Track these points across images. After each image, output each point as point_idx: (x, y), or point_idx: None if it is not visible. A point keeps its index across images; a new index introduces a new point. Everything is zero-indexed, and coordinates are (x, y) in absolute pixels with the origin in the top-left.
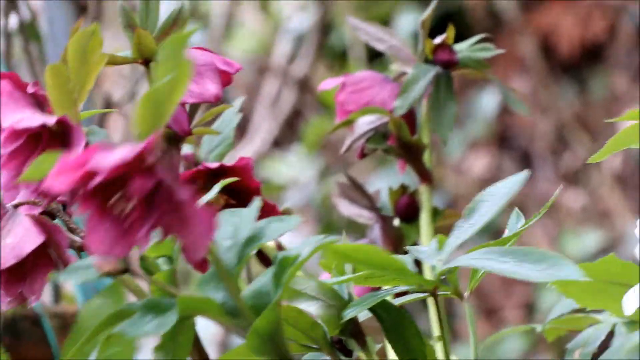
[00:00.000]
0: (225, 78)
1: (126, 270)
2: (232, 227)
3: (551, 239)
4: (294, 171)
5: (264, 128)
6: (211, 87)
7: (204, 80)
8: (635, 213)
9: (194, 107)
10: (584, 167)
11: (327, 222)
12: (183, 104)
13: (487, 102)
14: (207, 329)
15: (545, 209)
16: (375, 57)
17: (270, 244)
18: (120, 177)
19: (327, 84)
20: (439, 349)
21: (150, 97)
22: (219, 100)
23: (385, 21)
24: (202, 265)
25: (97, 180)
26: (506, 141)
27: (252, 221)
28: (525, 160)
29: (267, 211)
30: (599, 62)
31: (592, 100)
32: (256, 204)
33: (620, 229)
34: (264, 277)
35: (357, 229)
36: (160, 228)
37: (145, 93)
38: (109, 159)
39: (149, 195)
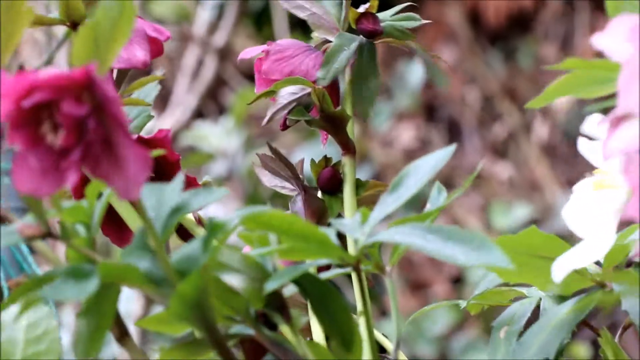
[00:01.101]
0: (155, 46)
1: (48, 234)
2: (156, 198)
3: (480, 211)
4: (220, 141)
5: (185, 98)
6: (139, 54)
7: (132, 46)
8: (563, 184)
9: (122, 74)
10: (512, 138)
11: (253, 193)
12: (111, 70)
13: (415, 73)
14: (128, 305)
15: (468, 182)
16: (297, 25)
17: (191, 219)
18: (52, 103)
19: (248, 52)
20: (362, 323)
21: (89, 30)
22: (147, 68)
23: None
24: (122, 240)
25: (33, 99)
26: (433, 112)
27: (178, 193)
28: (452, 131)
29: (187, 183)
30: (527, 31)
31: (519, 70)
32: (181, 176)
33: (549, 200)
34: (192, 243)
35: (282, 201)
36: (89, 166)
37: (85, 25)
38: (43, 75)
39: (80, 126)
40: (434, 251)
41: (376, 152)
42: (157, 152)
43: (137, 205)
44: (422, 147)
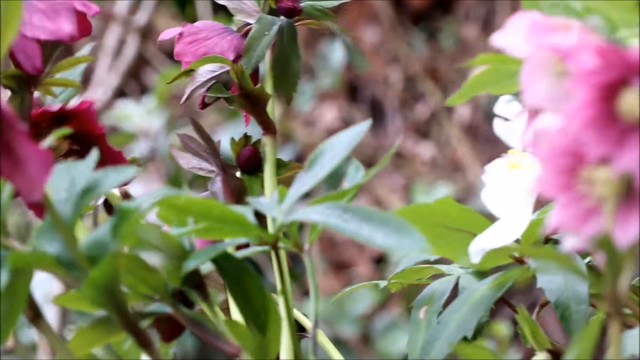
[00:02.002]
0: (83, 24)
1: None
2: (69, 178)
3: (403, 191)
4: (143, 121)
5: (106, 78)
6: (67, 26)
7: (59, 18)
8: (484, 164)
9: (50, 49)
10: (435, 118)
11: (175, 173)
12: (38, 41)
13: (337, 53)
14: (44, 287)
15: (385, 159)
16: (221, 5)
17: (116, 194)
18: None
19: (167, 34)
20: (281, 302)
21: None
22: (74, 42)
23: None
24: (41, 212)
25: None
26: (356, 92)
27: (88, 173)
28: (375, 111)
29: (113, 158)
30: (449, 12)
31: (442, 51)
32: (93, 155)
33: (470, 180)
34: (102, 228)
35: (204, 181)
36: None
37: None
38: None
39: None
40: (351, 232)
41: (299, 132)
42: (63, 131)
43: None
44: (345, 127)
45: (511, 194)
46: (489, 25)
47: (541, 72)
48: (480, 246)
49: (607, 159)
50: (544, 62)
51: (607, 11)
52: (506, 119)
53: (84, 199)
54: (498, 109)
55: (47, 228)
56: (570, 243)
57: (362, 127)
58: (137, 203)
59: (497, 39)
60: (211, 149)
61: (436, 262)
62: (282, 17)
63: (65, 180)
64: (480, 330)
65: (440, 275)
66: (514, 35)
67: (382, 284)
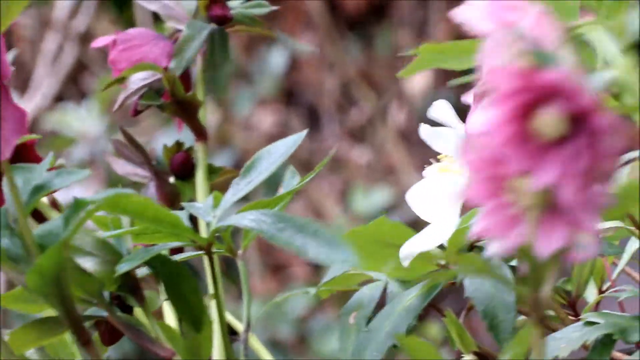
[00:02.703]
0: None
1: None
2: (22, 179)
3: (339, 195)
4: (82, 126)
5: (45, 83)
6: None
7: None
8: (419, 168)
9: None
10: (370, 123)
11: (115, 178)
12: None
13: (275, 58)
14: None
15: (319, 167)
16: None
17: (44, 202)
18: None
19: (101, 40)
20: (213, 306)
21: None
22: None
23: None
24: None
25: None
26: (294, 97)
27: (42, 173)
28: (312, 117)
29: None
30: (383, 18)
31: (377, 57)
32: (48, 158)
33: (405, 185)
34: (55, 220)
35: (141, 186)
36: None
37: None
38: None
39: None
40: (284, 241)
41: (237, 137)
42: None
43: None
44: (283, 132)
45: (439, 198)
46: (423, 32)
47: (498, 53)
48: (409, 251)
49: (528, 172)
50: (500, 43)
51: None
52: (439, 124)
53: (36, 195)
54: (432, 113)
55: None
56: (493, 250)
57: (299, 136)
58: (89, 198)
59: (459, 13)
60: (143, 156)
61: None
62: (212, 24)
63: (19, 181)
64: (410, 334)
65: (370, 281)
66: (475, 9)
67: (313, 291)
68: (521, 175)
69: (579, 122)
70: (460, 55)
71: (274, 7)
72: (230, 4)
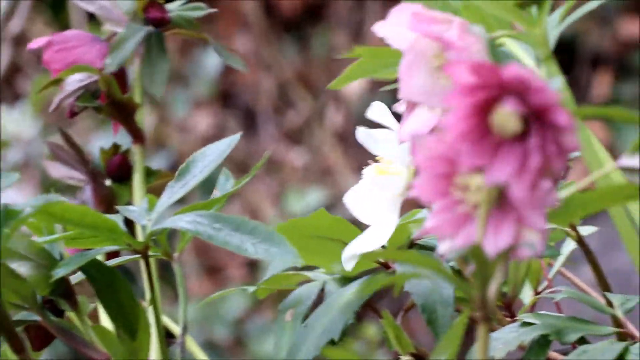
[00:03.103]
0: None
1: None
2: None
3: (275, 197)
4: (16, 128)
5: None
6: None
7: None
8: (356, 170)
9: None
10: (307, 125)
11: (50, 181)
12: None
13: (211, 60)
14: None
15: (254, 169)
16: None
17: None
18: None
19: (36, 42)
20: (150, 310)
21: None
22: None
23: None
24: None
25: None
26: (230, 99)
27: None
28: (248, 118)
29: None
30: (320, 20)
31: (313, 58)
32: None
33: (342, 186)
34: None
35: (75, 189)
36: None
37: None
38: None
39: None
40: (221, 241)
41: (174, 139)
42: None
43: None
44: (219, 134)
45: (378, 199)
46: (359, 34)
47: (419, 66)
48: (351, 253)
49: (480, 168)
50: (421, 55)
51: (484, 11)
52: (378, 125)
53: None
54: (370, 114)
55: None
56: (443, 248)
57: (233, 139)
58: (20, 206)
59: (379, 28)
60: (80, 158)
61: (304, 268)
62: (150, 27)
63: None
64: (346, 333)
65: (307, 280)
66: (395, 25)
67: (251, 289)
68: (471, 172)
69: (535, 119)
70: (395, 60)
71: (211, 10)
72: (168, 6)
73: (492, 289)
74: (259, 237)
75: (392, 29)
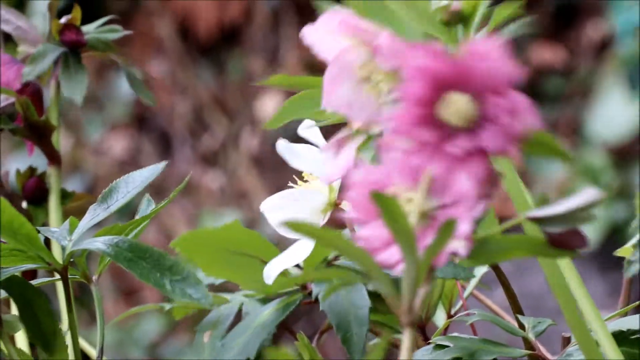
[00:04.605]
0: None
1: None
2: None
3: (190, 219)
4: None
5: None
6: None
7: None
8: (272, 192)
9: None
10: (223, 148)
11: None
12: None
13: (126, 83)
14: None
15: (174, 194)
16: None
17: None
18: None
19: None
20: (67, 330)
21: None
22: None
23: (21, 3)
24: None
25: None
26: (145, 123)
27: None
28: (164, 142)
29: None
30: (236, 44)
31: (229, 82)
32: None
33: (257, 209)
34: None
35: None
36: None
37: None
38: None
39: None
40: (139, 275)
41: (89, 162)
42: None
43: None
44: (135, 157)
45: (298, 214)
46: (274, 58)
47: (343, 77)
48: (273, 270)
49: (413, 184)
50: (347, 66)
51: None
52: (306, 142)
53: None
54: (301, 130)
55: None
56: (384, 257)
57: (156, 168)
58: None
59: (307, 34)
60: None
61: (221, 286)
62: (65, 48)
63: None
64: (261, 353)
65: (222, 301)
66: (323, 32)
67: (168, 306)
68: (403, 188)
69: (485, 108)
70: (311, 87)
71: (127, 32)
72: (84, 28)
73: (420, 294)
74: (177, 275)
75: (319, 36)
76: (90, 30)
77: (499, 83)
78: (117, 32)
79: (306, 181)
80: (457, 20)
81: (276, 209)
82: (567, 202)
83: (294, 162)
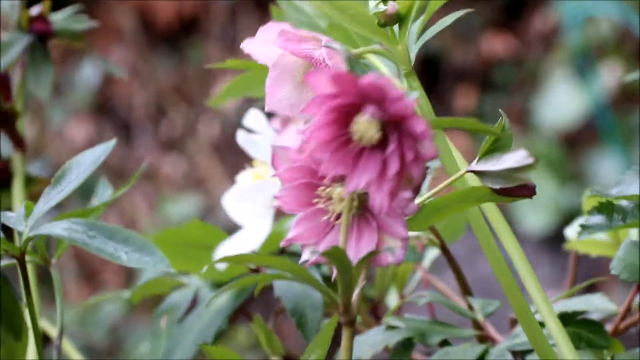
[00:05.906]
0: None
1: None
2: None
3: (151, 205)
4: None
5: None
6: None
7: None
8: (231, 177)
9: None
10: (183, 135)
11: None
12: None
13: (89, 71)
14: None
15: (133, 180)
16: None
17: None
18: None
19: None
20: (27, 313)
21: None
22: None
23: None
24: None
25: None
26: (107, 110)
27: None
28: (125, 129)
29: None
30: (195, 33)
31: (188, 71)
32: None
33: (217, 194)
34: None
35: None
36: None
37: None
38: None
39: None
40: (96, 249)
41: (52, 148)
42: None
43: None
44: (96, 143)
45: (253, 204)
46: (233, 47)
47: (284, 80)
48: (222, 255)
49: (341, 177)
50: (287, 70)
51: (348, 28)
52: (252, 131)
53: None
54: (246, 121)
55: None
56: (306, 256)
57: (107, 146)
58: None
59: (246, 45)
60: None
61: (177, 274)
62: (33, 37)
63: None
64: (219, 337)
65: (181, 285)
66: (262, 43)
67: (127, 294)
68: (334, 183)
69: (393, 128)
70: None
71: (93, 22)
72: (52, 17)
73: (355, 294)
74: (133, 245)
75: (259, 46)
76: (59, 19)
77: (401, 110)
78: (84, 23)
79: (259, 171)
80: (394, 21)
81: (235, 201)
82: (501, 160)
83: (254, 152)
